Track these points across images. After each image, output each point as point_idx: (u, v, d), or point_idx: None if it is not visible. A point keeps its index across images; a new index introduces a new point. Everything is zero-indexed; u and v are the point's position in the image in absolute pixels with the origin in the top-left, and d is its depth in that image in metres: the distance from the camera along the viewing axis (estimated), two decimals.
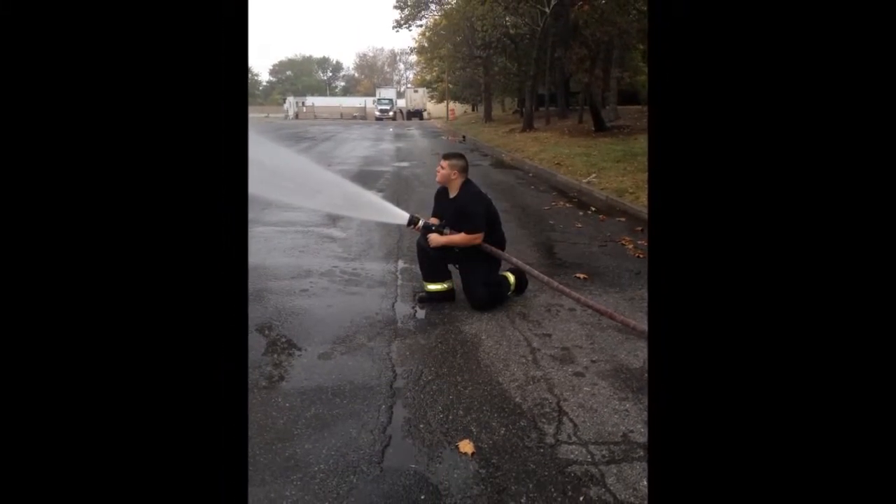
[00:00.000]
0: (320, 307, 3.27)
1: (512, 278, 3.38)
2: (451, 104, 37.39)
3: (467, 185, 3.29)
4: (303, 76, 77.75)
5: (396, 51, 78.62)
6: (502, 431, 2.04)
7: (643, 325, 2.73)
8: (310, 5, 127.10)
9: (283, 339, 2.82)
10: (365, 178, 8.78)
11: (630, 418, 2.13)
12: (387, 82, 67.38)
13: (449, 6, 27.55)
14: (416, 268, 3.53)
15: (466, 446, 1.93)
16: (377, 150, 14.58)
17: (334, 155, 13.19)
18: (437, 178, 3.35)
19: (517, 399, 2.27)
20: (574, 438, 2.00)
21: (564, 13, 14.76)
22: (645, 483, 1.75)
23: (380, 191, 7.49)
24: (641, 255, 4.39)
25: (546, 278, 3.20)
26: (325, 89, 74.59)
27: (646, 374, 2.42)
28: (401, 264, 4.12)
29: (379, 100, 41.88)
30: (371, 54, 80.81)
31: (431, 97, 42.60)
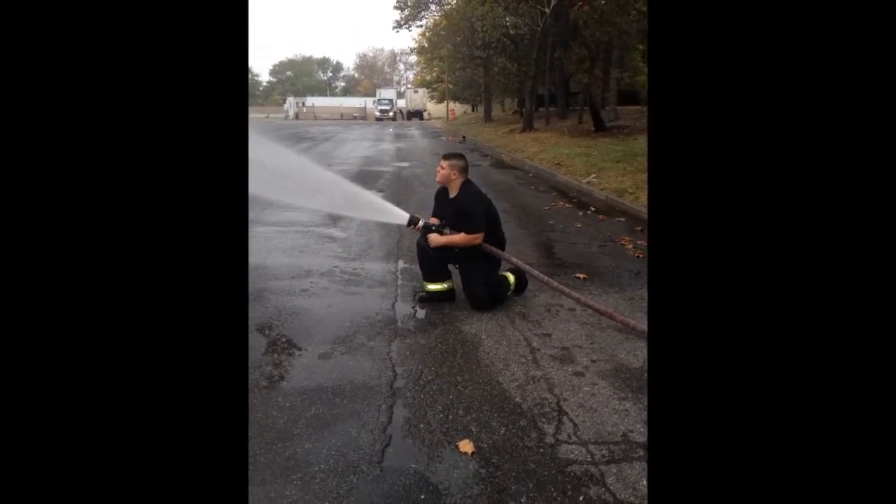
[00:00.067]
0: (320, 307, 3.27)
1: (512, 278, 3.38)
2: (451, 104, 37.39)
3: (467, 185, 3.29)
4: (303, 76, 77.75)
5: (396, 51, 78.69)
6: (502, 431, 2.04)
7: (643, 325, 2.73)
8: (310, 5, 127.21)
9: (284, 339, 2.82)
10: (365, 178, 8.79)
11: (630, 418, 2.13)
12: (387, 83, 67.37)
13: (449, 6, 27.55)
14: (416, 268, 3.53)
15: (466, 446, 1.94)
16: (377, 151, 14.59)
17: (334, 155, 13.20)
18: (437, 179, 3.35)
19: (517, 399, 2.27)
20: (574, 438, 2.01)
21: (564, 13, 14.76)
22: (644, 483, 1.75)
23: (380, 191, 7.49)
24: (641, 255, 4.39)
25: (546, 278, 3.21)
26: (325, 90, 74.58)
27: (645, 374, 2.42)
28: (401, 264, 4.12)
29: (379, 100, 41.88)
30: (371, 55, 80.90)
31: (431, 97, 42.60)
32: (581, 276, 3.88)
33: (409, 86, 54.95)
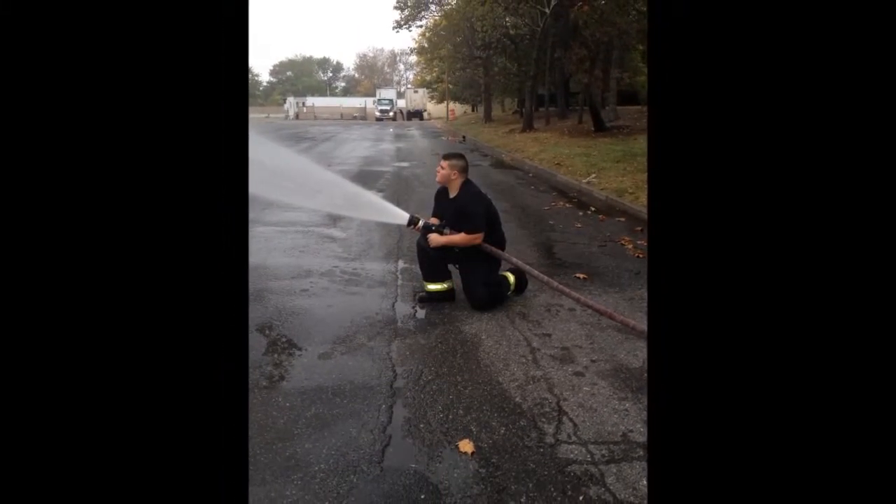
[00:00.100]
0: (320, 307, 3.27)
1: (512, 278, 3.38)
2: (451, 104, 37.40)
3: (467, 185, 3.30)
4: (303, 76, 77.76)
5: (396, 51, 78.72)
6: (502, 431, 2.04)
7: (643, 325, 2.73)
8: (310, 5, 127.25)
9: (284, 339, 2.82)
10: (365, 178, 8.79)
11: (629, 418, 2.13)
12: (387, 83, 67.37)
13: (449, 7, 27.56)
14: (416, 268, 3.54)
15: (466, 446, 1.94)
16: (377, 151, 14.59)
17: (334, 155, 13.20)
18: (437, 179, 3.35)
19: (517, 399, 2.27)
20: (574, 438, 2.01)
21: (564, 14, 14.76)
22: (644, 482, 1.75)
23: (380, 191, 7.49)
24: (641, 255, 4.39)
25: (546, 278, 3.21)
26: (325, 90, 74.58)
27: (645, 374, 2.42)
28: (401, 264, 4.12)
29: (379, 100, 41.88)
30: (371, 55, 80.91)
31: (431, 97, 42.60)
32: (581, 276, 3.88)
33: (409, 86, 54.97)
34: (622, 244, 4.79)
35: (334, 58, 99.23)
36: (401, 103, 44.86)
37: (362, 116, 42.35)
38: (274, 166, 2.58)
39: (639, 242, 4.79)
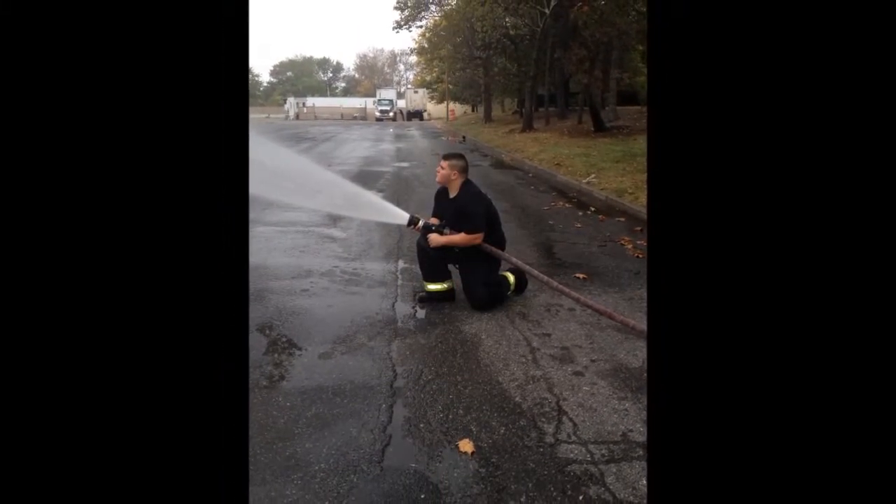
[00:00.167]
0: (321, 307, 3.27)
1: (512, 278, 3.38)
2: (451, 105, 37.40)
3: (467, 185, 3.30)
4: (303, 77, 77.75)
5: (397, 51, 78.63)
6: (502, 431, 2.04)
7: (642, 325, 2.73)
8: (310, 6, 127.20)
9: (284, 339, 2.82)
10: (365, 178, 8.79)
11: (629, 418, 2.14)
12: (387, 83, 67.35)
13: (449, 7, 27.57)
14: (416, 268, 3.54)
15: (466, 445, 1.94)
16: (377, 151, 14.59)
17: (335, 155, 13.20)
18: (437, 179, 3.35)
19: (517, 398, 2.27)
20: (573, 438, 2.01)
21: (564, 14, 14.76)
22: (644, 482, 1.75)
23: (380, 191, 7.49)
24: (641, 255, 4.39)
25: (546, 278, 3.21)
26: (325, 90, 74.57)
27: (645, 374, 2.42)
28: (401, 264, 4.13)
29: (379, 100, 41.88)
30: (371, 55, 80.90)
31: (431, 98, 42.61)
32: (581, 276, 3.88)
33: (409, 86, 55.00)
34: (622, 244, 4.79)
35: (334, 58, 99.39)
36: (401, 103, 44.87)
37: (362, 117, 42.37)
38: (274, 166, 2.58)
39: (638, 242, 4.79)
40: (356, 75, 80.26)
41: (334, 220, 5.41)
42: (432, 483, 1.76)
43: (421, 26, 31.39)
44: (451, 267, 3.34)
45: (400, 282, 3.74)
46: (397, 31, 43.01)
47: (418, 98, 44.83)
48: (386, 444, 1.96)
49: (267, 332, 2.91)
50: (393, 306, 3.30)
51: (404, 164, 11.25)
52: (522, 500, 1.70)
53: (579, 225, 5.58)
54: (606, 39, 14.48)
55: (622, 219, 5.92)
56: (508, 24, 20.74)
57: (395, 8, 29.83)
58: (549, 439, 2.00)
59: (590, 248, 4.69)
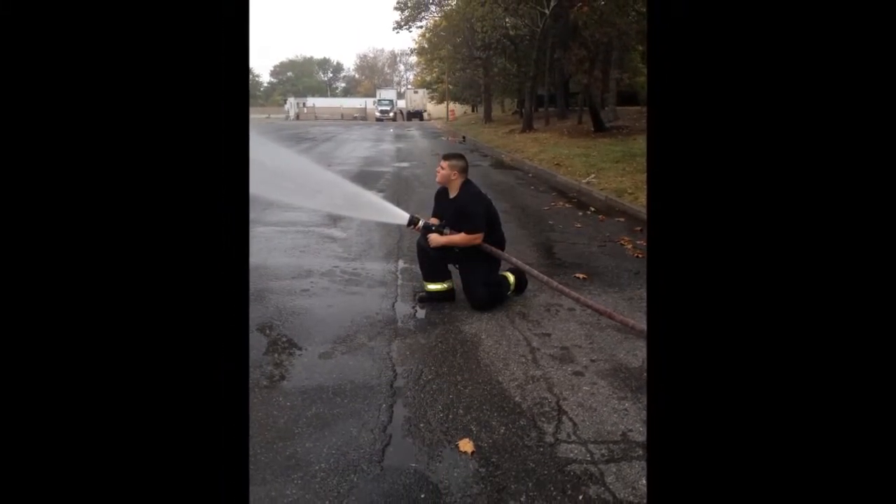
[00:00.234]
0: (321, 307, 3.28)
1: (512, 278, 3.38)
2: (451, 105, 37.40)
3: (467, 185, 3.30)
4: (304, 77, 77.75)
5: (397, 52, 78.54)
6: (502, 430, 2.05)
7: (642, 325, 2.74)
8: (310, 6, 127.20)
9: (284, 339, 2.83)
10: (365, 178, 8.79)
11: (629, 417, 2.14)
12: (387, 83, 67.36)
13: (449, 7, 27.57)
14: (417, 268, 3.54)
15: (466, 445, 1.94)
16: (377, 151, 14.59)
17: (335, 155, 13.20)
18: (437, 179, 3.35)
19: (517, 398, 2.27)
20: (573, 437, 2.01)
21: (564, 14, 14.76)
22: (644, 482, 1.75)
23: (380, 191, 7.49)
24: (640, 255, 4.39)
25: (546, 278, 3.21)
26: (325, 90, 74.58)
27: (644, 374, 2.42)
28: (401, 264, 4.13)
29: (379, 101, 41.88)
30: (371, 55, 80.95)
31: (431, 98, 42.61)
32: (581, 275, 3.88)
33: (410, 86, 55.03)
34: (621, 244, 4.79)
35: (335, 58, 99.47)
36: (401, 104, 44.88)
37: (362, 117, 42.37)
38: (274, 166, 2.58)
39: (638, 242, 4.79)
40: (356, 75, 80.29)
41: (334, 220, 5.41)
42: (432, 483, 1.76)
43: (421, 27, 31.44)
44: (451, 267, 3.34)
45: (400, 282, 3.74)
46: (397, 32, 43.08)
47: (418, 98, 44.85)
48: (386, 443, 1.96)
49: (267, 331, 2.91)
50: (393, 306, 3.30)
51: (404, 165, 11.25)
52: (522, 499, 1.70)
53: (579, 225, 5.58)
54: (606, 40, 14.48)
55: (622, 219, 5.92)
56: (508, 25, 20.74)
57: (396, 8, 29.84)
58: (549, 439, 2.00)
59: (590, 248, 4.69)
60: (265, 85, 77.92)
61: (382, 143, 17.81)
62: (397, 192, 7.62)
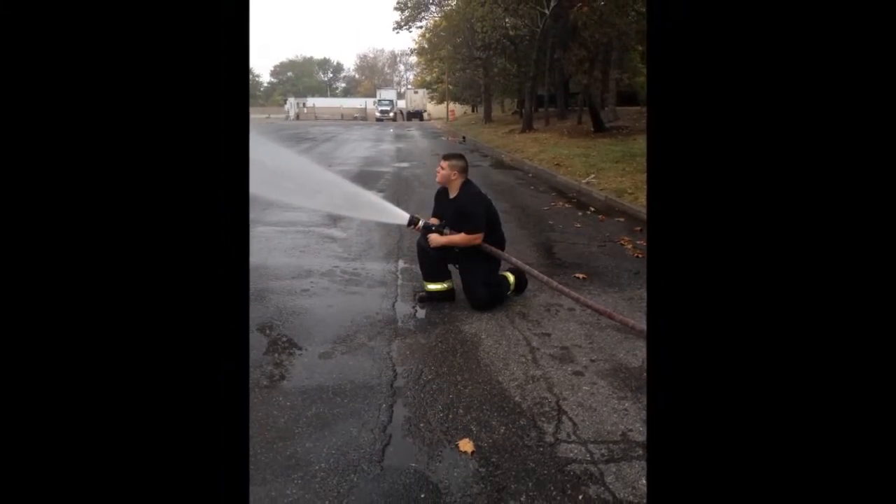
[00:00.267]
0: (321, 307, 3.28)
1: (512, 278, 3.38)
2: (451, 105, 37.41)
3: (467, 185, 3.30)
4: (304, 77, 77.77)
5: (397, 52, 78.62)
6: (502, 430, 2.05)
7: (642, 325, 2.74)
8: (310, 6, 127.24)
9: (284, 339, 2.83)
10: (365, 178, 8.79)
11: (629, 417, 2.14)
12: (387, 83, 67.37)
13: (449, 8, 27.57)
14: (417, 268, 3.54)
15: (466, 445, 1.94)
16: (377, 151, 14.59)
17: (335, 155, 13.20)
18: (437, 179, 3.35)
19: (517, 398, 2.27)
20: (573, 437, 2.01)
21: (564, 15, 14.76)
22: (644, 481, 1.76)
23: (380, 191, 7.49)
24: (640, 255, 4.39)
25: (545, 278, 3.21)
26: (325, 90, 74.59)
27: (644, 374, 2.42)
28: (401, 264, 4.13)
29: (379, 101, 41.89)
30: (371, 55, 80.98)
31: (431, 98, 42.62)
32: (580, 275, 3.88)
33: (410, 86, 55.05)
34: (621, 244, 4.80)
35: (335, 58, 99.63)
36: (401, 104, 44.89)
37: (363, 117, 42.38)
38: (275, 167, 2.59)
39: (638, 242, 4.79)
40: (356, 76, 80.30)
41: (334, 220, 5.41)
42: (432, 482, 1.76)
43: (421, 27, 31.45)
44: (451, 267, 3.35)
45: (400, 282, 3.74)
46: (397, 32, 43.11)
47: (418, 98, 44.86)
48: (386, 443, 1.96)
49: (267, 331, 2.91)
50: (393, 306, 3.30)
51: (404, 165, 11.25)
52: (522, 499, 1.70)
53: (579, 225, 5.58)
54: (606, 40, 14.49)
55: (622, 219, 5.92)
56: (508, 25, 20.74)
57: (396, 8, 29.86)
58: (549, 439, 2.00)
59: (589, 248, 4.69)
60: (265, 85, 77.96)
61: (382, 143, 17.81)
62: (397, 192, 7.62)
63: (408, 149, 15.54)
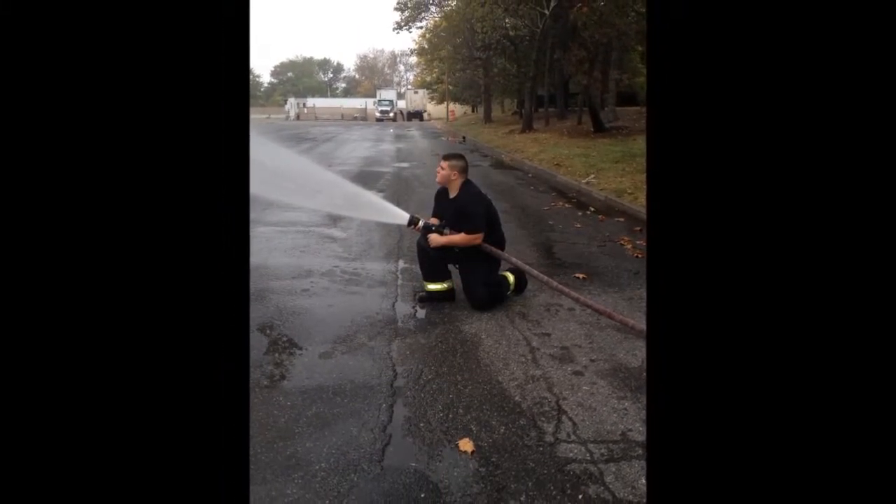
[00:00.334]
0: (321, 307, 3.28)
1: (511, 278, 3.39)
2: (451, 105, 37.42)
3: (467, 185, 3.30)
4: (304, 77, 77.78)
5: (397, 52, 78.62)
6: (502, 430, 2.05)
7: (642, 325, 2.74)
8: (310, 6, 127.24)
9: (285, 339, 2.83)
10: (365, 178, 8.79)
11: (629, 417, 2.14)
12: (387, 84, 67.36)
13: (449, 8, 27.58)
14: (417, 268, 3.54)
15: (466, 445, 1.94)
16: (377, 151, 14.59)
17: (335, 156, 13.20)
18: (437, 179, 3.35)
19: (517, 398, 2.27)
20: (573, 437, 2.01)
21: (563, 15, 14.76)
22: (643, 481, 1.76)
23: (380, 191, 7.49)
24: (640, 255, 4.39)
25: (545, 278, 3.21)
26: (325, 90, 74.62)
27: (644, 374, 2.42)
28: (401, 264, 4.13)
29: (379, 101, 41.89)
30: (372, 56, 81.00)
31: (431, 98, 42.63)
32: (580, 275, 3.89)
33: (410, 87, 55.05)
34: (621, 244, 4.80)
35: (335, 59, 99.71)
36: (401, 104, 44.89)
37: (363, 117, 42.39)
38: (275, 167, 2.59)
39: (638, 242, 4.79)
40: (356, 76, 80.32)
41: (334, 220, 5.41)
42: (432, 482, 1.77)
43: (421, 27, 31.47)
44: (451, 267, 3.35)
45: (400, 282, 3.75)
46: (397, 32, 43.19)
47: (418, 99, 44.87)
48: (386, 443, 1.97)
49: (267, 331, 2.91)
50: (393, 306, 3.30)
51: (404, 165, 11.25)
52: (522, 499, 1.70)
53: (579, 225, 5.58)
54: (606, 40, 14.50)
55: (621, 219, 5.92)
56: (508, 25, 20.74)
57: (396, 9, 29.86)
58: (549, 438, 2.00)
59: (589, 248, 4.69)
60: (265, 85, 77.99)
61: (382, 143, 17.82)
62: (397, 192, 7.62)
63: (408, 149, 15.54)
